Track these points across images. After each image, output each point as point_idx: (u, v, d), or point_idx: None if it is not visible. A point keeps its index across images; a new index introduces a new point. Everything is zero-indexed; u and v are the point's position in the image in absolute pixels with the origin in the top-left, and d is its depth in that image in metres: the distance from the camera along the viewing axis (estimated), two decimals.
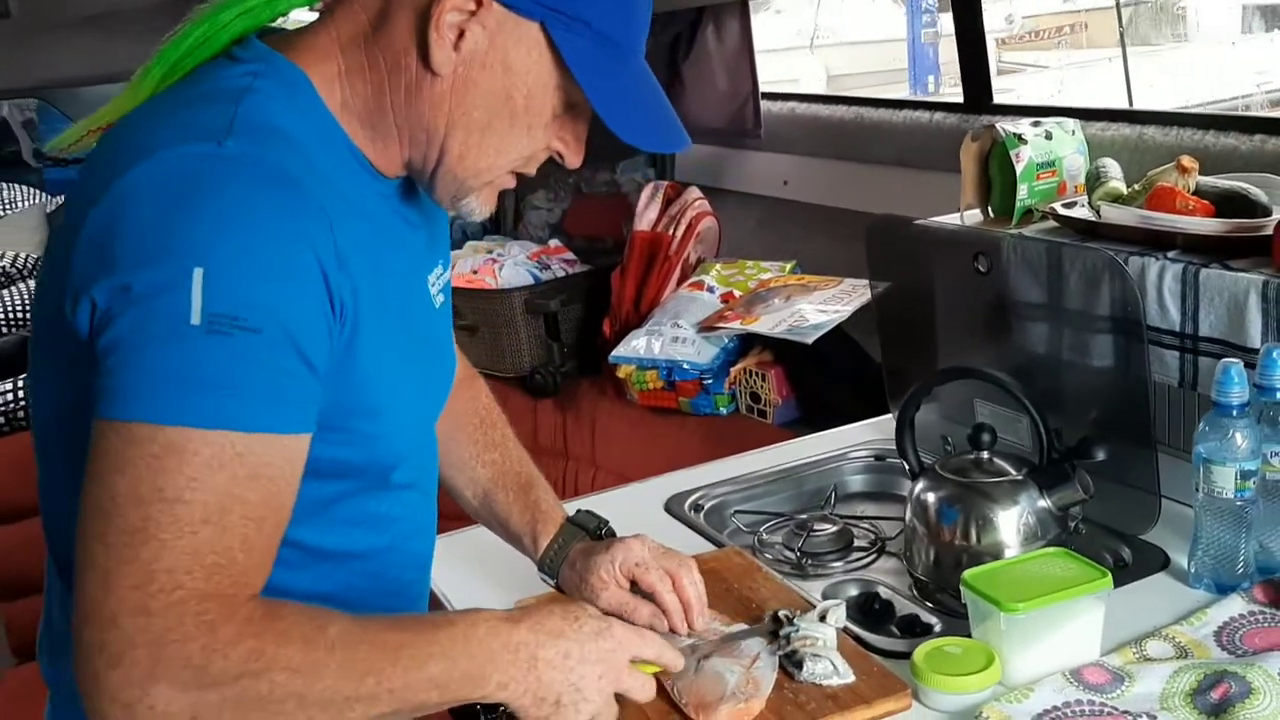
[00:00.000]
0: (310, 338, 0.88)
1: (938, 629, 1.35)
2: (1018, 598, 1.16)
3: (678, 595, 1.24)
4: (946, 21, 10.57)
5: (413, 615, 1.00)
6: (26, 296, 3.65)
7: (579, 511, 1.34)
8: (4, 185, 5.62)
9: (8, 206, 5.48)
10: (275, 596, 0.92)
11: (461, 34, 0.95)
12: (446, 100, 0.97)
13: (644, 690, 1.06)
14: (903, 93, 9.67)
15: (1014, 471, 1.42)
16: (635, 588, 1.25)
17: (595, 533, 1.31)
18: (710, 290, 2.62)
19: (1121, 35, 1.83)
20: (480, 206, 1.06)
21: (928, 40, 10.07)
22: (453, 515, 1.39)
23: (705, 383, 2.49)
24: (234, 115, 0.90)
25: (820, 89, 9.98)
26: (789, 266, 2.68)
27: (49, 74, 4.02)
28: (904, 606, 1.43)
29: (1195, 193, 1.55)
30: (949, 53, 10.90)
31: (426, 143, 0.99)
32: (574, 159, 1.05)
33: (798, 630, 1.22)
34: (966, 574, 1.21)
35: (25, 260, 4.11)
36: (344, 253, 0.90)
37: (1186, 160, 1.56)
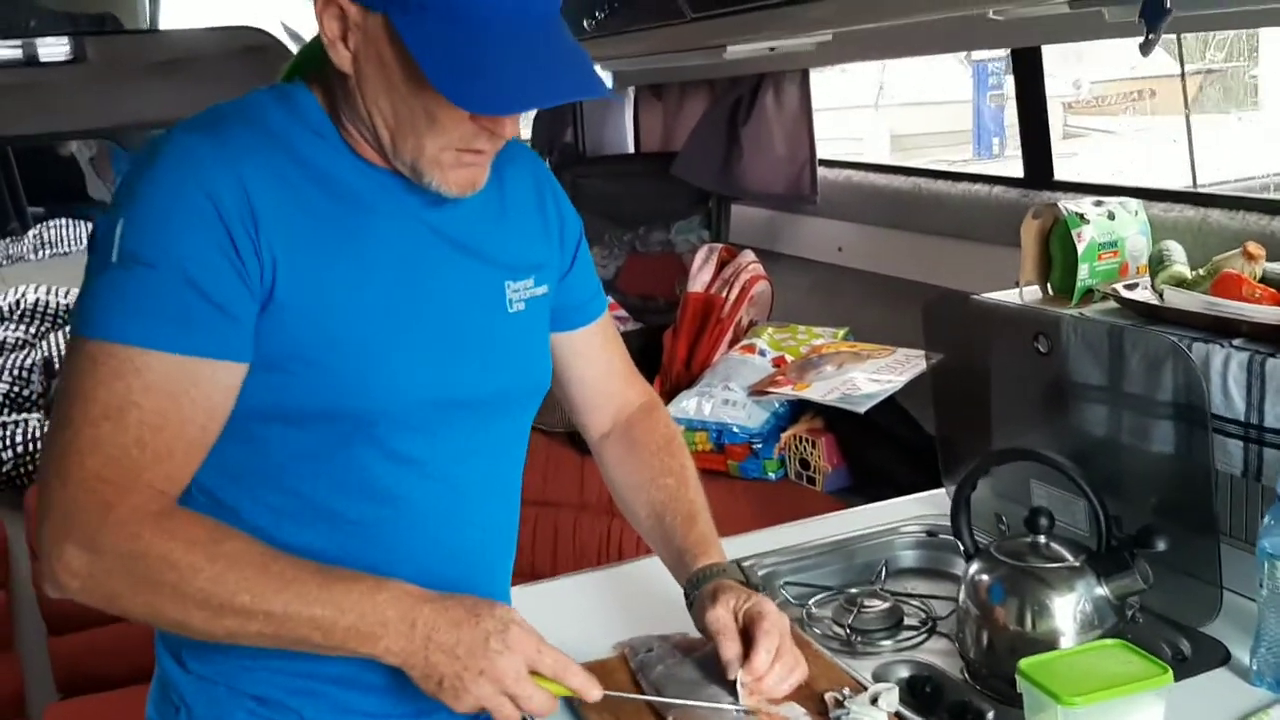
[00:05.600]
0: (206, 273, 1.05)
1: (990, 717, 1.33)
2: (1076, 690, 1.13)
3: (770, 666, 1.21)
4: (1012, 84, 10.61)
5: (332, 566, 1.09)
6: None
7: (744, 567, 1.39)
8: (71, 222, 5.76)
9: (72, 244, 5.61)
10: (279, 547, 1.08)
11: (346, 36, 1.08)
12: (359, 95, 1.10)
13: (534, 701, 1.10)
14: (967, 154, 9.67)
15: (1071, 557, 1.40)
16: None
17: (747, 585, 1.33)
18: (762, 354, 2.62)
19: (1187, 118, 1.80)
20: (445, 186, 1.13)
21: (993, 103, 10.08)
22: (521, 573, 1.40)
23: (755, 447, 2.48)
24: (208, 114, 1.12)
25: (884, 148, 10.01)
26: (841, 333, 2.67)
27: (123, 116, 4.13)
28: (955, 690, 1.41)
29: (1261, 280, 1.53)
30: (1014, 115, 10.92)
31: (372, 133, 1.12)
32: (504, 131, 1.12)
33: (849, 713, 1.21)
34: (1023, 663, 1.19)
35: None
36: (261, 209, 1.07)
37: (1253, 247, 1.54)
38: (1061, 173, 2.40)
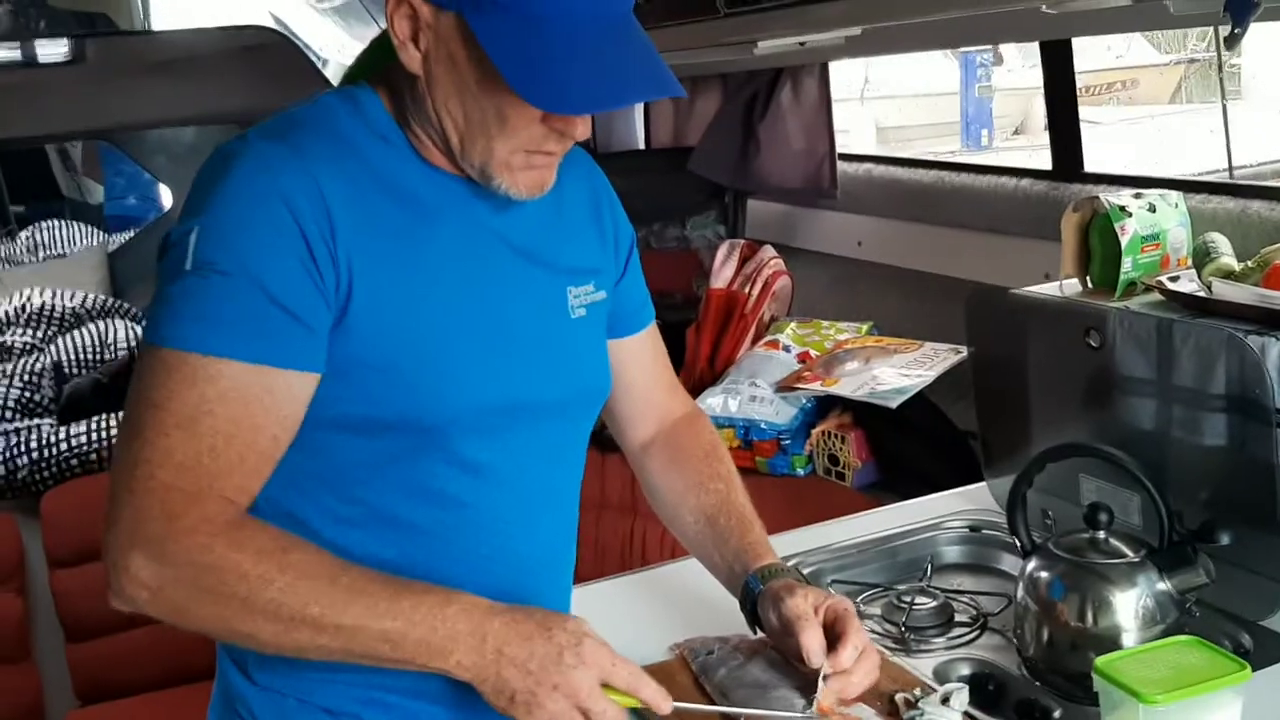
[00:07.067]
0: (283, 284, 1.03)
1: (1058, 715, 1.33)
2: (1156, 688, 1.13)
3: (853, 664, 1.21)
4: (1000, 76, 10.63)
5: (401, 578, 1.07)
6: (97, 337, 3.68)
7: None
8: (61, 224, 5.70)
9: (67, 245, 5.56)
10: (342, 555, 1.06)
11: (417, 37, 1.07)
12: (428, 98, 1.10)
13: (607, 716, 1.07)
14: (954, 145, 9.69)
15: (1131, 553, 1.39)
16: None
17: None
18: (786, 349, 2.62)
19: (1224, 107, 1.79)
20: (514, 188, 1.12)
21: (981, 94, 10.11)
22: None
23: (783, 443, 2.48)
24: (281, 120, 1.11)
25: (870, 140, 10.02)
26: (865, 328, 2.67)
27: (123, 117, 4.10)
28: (1018, 688, 1.40)
29: None
30: (1002, 108, 10.93)
31: (440, 136, 1.11)
32: (574, 132, 1.10)
33: (923, 714, 1.21)
34: (1099, 661, 1.19)
35: (94, 301, 4.14)
36: (339, 219, 1.06)
37: None
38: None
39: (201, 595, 1.02)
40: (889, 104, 11.14)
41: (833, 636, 1.22)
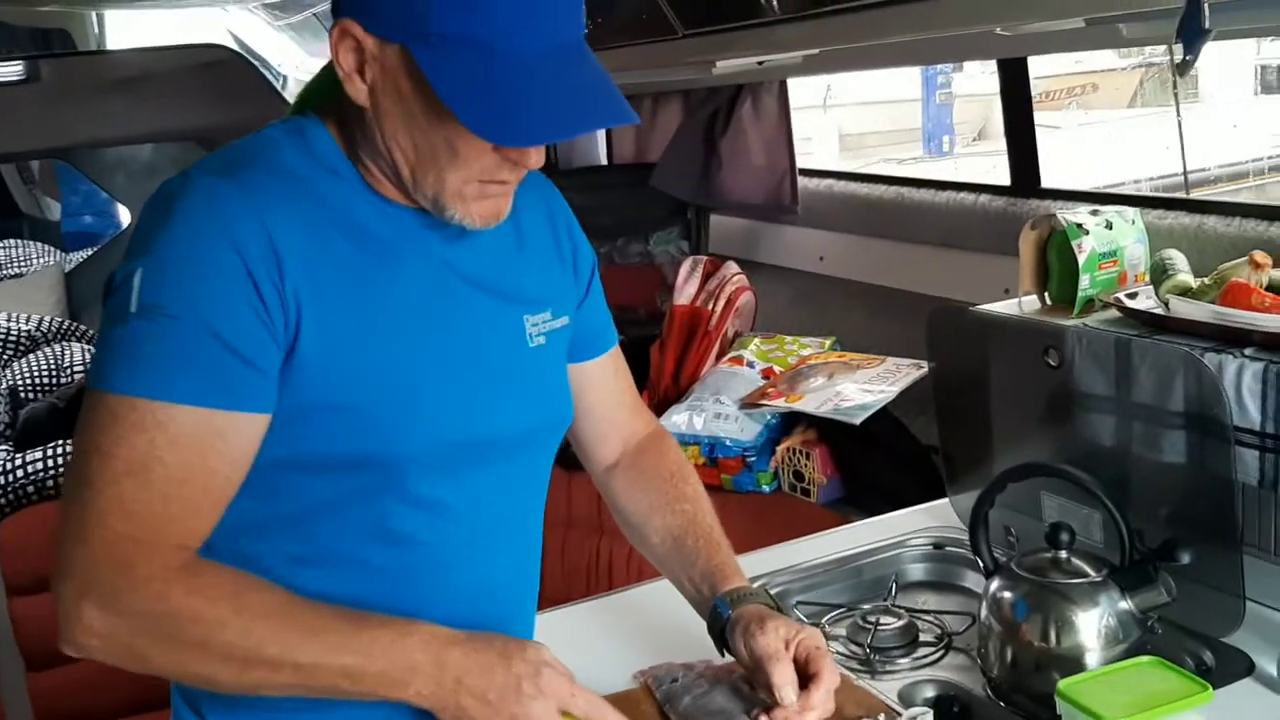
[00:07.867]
0: (231, 325, 1.01)
1: None
2: (1118, 711, 1.14)
3: (822, 699, 1.21)
4: (960, 82, 10.72)
5: (357, 611, 1.07)
6: (53, 361, 3.63)
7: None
8: (18, 243, 5.63)
9: (23, 265, 5.48)
10: (300, 594, 1.05)
11: (363, 69, 1.05)
12: (377, 129, 1.08)
13: None
14: (917, 151, 9.76)
15: (1093, 572, 1.40)
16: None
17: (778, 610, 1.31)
18: (750, 365, 2.61)
19: (1179, 124, 1.81)
20: (468, 218, 1.10)
21: (942, 101, 10.20)
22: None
23: (749, 460, 2.48)
24: (225, 156, 1.09)
25: (833, 148, 10.07)
26: (828, 343, 2.67)
27: (78, 136, 4.05)
28: (981, 709, 1.40)
29: (1268, 288, 1.54)
30: (963, 114, 11.00)
31: (391, 168, 1.09)
32: (527, 161, 1.09)
33: None
34: (1062, 685, 1.19)
35: (50, 324, 4.08)
36: (286, 257, 1.04)
37: (1259, 255, 1.55)
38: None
39: (157, 642, 1.01)
40: (851, 111, 11.20)
41: (805, 675, 1.21)
